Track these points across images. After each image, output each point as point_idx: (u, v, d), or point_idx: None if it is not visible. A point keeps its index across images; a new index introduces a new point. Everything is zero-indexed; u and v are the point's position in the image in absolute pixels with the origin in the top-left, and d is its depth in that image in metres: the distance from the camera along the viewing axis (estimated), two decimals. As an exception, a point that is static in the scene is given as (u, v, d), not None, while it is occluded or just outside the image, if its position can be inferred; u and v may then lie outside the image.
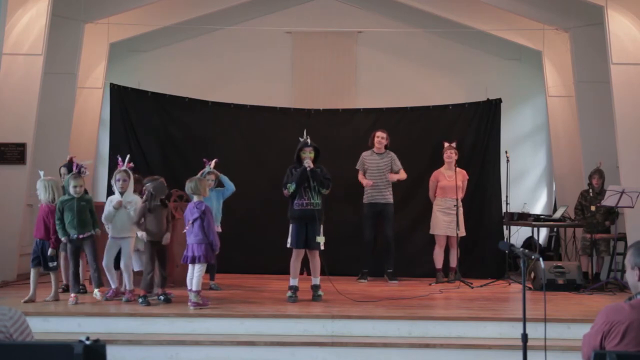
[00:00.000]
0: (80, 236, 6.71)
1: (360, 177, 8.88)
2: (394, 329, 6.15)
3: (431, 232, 8.86)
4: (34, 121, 8.46)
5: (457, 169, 8.76)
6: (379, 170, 8.79)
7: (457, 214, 8.63)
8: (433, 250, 8.84)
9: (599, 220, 8.72)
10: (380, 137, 8.84)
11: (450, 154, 8.80)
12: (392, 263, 8.80)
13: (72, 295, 6.68)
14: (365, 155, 8.93)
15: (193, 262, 6.59)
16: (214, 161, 7.74)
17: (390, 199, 8.80)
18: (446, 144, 8.91)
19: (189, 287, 6.64)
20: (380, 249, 8.91)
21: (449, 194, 8.70)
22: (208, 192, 7.02)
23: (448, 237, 8.76)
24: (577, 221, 9.07)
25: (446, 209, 8.71)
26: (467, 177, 8.98)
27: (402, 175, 8.89)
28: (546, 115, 10.92)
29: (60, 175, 7.53)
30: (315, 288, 7.22)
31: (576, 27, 9.47)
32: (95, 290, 6.78)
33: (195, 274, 6.60)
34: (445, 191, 8.75)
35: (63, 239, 6.73)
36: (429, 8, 10.51)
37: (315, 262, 7.19)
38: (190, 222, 6.62)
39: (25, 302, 6.67)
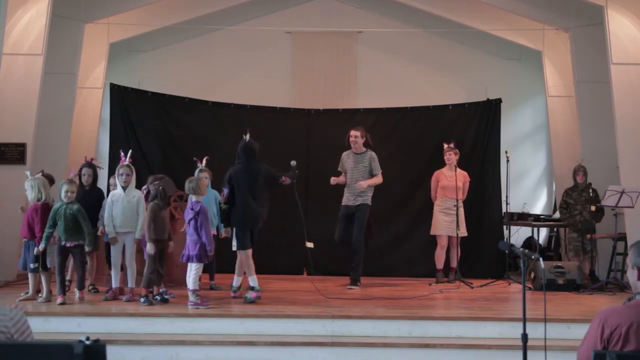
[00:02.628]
0: (68, 244, 6.68)
1: (337, 179, 8.38)
2: (394, 329, 6.15)
3: (432, 232, 8.83)
4: (34, 121, 8.46)
5: (459, 170, 8.76)
6: (356, 171, 8.26)
7: (457, 214, 8.62)
8: (435, 251, 8.82)
9: (587, 218, 8.69)
10: (354, 137, 8.26)
11: (449, 155, 8.79)
12: (357, 269, 8.09)
13: (59, 296, 6.66)
14: (344, 155, 8.43)
15: (188, 261, 6.67)
16: (205, 159, 7.73)
17: (365, 200, 8.19)
18: (445, 145, 8.89)
19: (187, 286, 6.68)
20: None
21: (449, 194, 8.69)
22: (206, 191, 7.01)
23: (449, 237, 8.76)
24: (564, 220, 9.02)
25: (446, 209, 8.70)
26: (469, 179, 8.97)
27: (376, 180, 8.25)
28: (546, 115, 10.91)
29: (81, 176, 7.49)
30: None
31: (576, 27, 9.46)
32: (76, 290, 6.74)
33: (191, 273, 6.65)
34: (445, 191, 8.74)
35: (41, 246, 6.64)
36: (429, 8, 10.51)
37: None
38: (187, 221, 6.70)
39: (21, 300, 6.67)
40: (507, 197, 9.11)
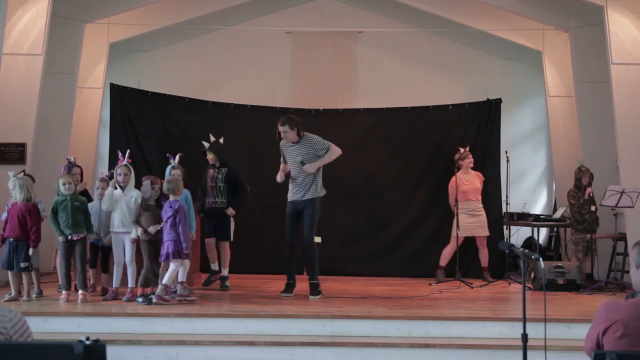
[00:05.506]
0: (74, 237, 6.76)
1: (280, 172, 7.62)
2: (394, 329, 6.15)
3: (454, 233, 8.78)
4: (34, 121, 8.46)
5: (473, 171, 8.81)
6: (295, 162, 7.43)
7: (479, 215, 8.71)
8: (443, 248, 8.83)
9: (593, 218, 8.70)
10: (282, 132, 7.42)
11: (471, 158, 8.84)
12: (313, 273, 7.40)
13: (64, 293, 6.74)
14: (282, 145, 7.61)
15: (167, 259, 6.80)
16: (178, 156, 7.75)
17: (310, 194, 7.36)
18: (462, 150, 8.87)
19: (180, 280, 6.89)
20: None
21: (472, 197, 8.75)
22: (183, 190, 7.14)
23: (476, 238, 8.81)
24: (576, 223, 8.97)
25: (472, 211, 8.75)
26: (483, 178, 9.02)
27: (327, 157, 7.39)
28: (546, 115, 10.91)
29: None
30: (223, 279, 7.86)
31: (576, 27, 9.46)
32: (80, 292, 6.74)
33: (169, 270, 6.80)
34: (467, 194, 8.76)
35: (60, 238, 6.75)
36: (429, 8, 10.50)
37: (226, 254, 7.91)
38: (165, 220, 6.80)
39: (6, 301, 6.70)
40: (507, 197, 9.11)
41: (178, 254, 6.75)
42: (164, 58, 11.21)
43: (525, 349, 4.03)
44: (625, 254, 8.70)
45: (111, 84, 9.61)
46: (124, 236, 6.96)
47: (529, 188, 11.41)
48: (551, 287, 8.01)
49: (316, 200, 7.36)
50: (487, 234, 8.85)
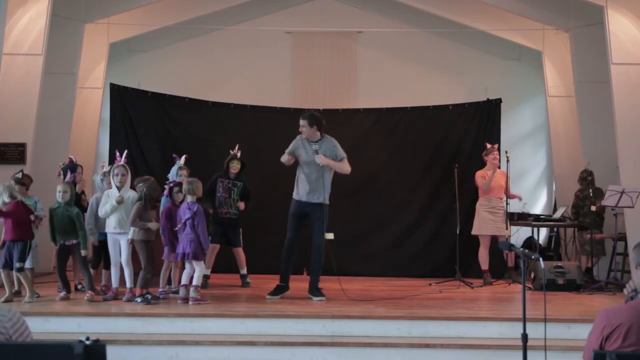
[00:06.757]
0: (67, 243, 6.83)
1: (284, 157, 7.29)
2: (394, 329, 6.15)
3: (476, 232, 8.72)
4: (34, 121, 8.47)
5: (498, 170, 8.77)
6: (310, 162, 7.18)
7: (505, 213, 8.62)
8: (478, 252, 8.71)
9: (595, 218, 8.73)
10: (300, 126, 7.21)
11: (496, 155, 8.76)
12: (316, 277, 7.29)
13: (61, 293, 6.79)
14: (298, 140, 7.28)
15: (183, 259, 6.85)
16: (184, 157, 7.77)
17: (321, 198, 7.19)
18: (489, 145, 8.82)
19: (183, 283, 6.84)
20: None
21: (494, 194, 8.68)
22: (201, 192, 7.13)
23: (491, 237, 8.70)
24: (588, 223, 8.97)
25: (492, 208, 8.67)
26: (508, 176, 8.95)
27: (341, 165, 7.22)
28: (546, 115, 10.91)
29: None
30: (244, 277, 8.34)
31: (576, 27, 9.47)
32: (87, 292, 6.78)
33: (195, 271, 6.79)
34: (490, 191, 8.70)
35: (52, 243, 6.86)
36: (429, 8, 10.51)
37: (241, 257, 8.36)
38: (183, 221, 6.81)
39: (2, 302, 6.68)
40: (507, 197, 9.10)
41: (196, 255, 6.80)
42: (164, 58, 11.21)
43: (525, 349, 4.03)
44: (625, 254, 8.70)
45: (111, 84, 9.61)
46: (120, 237, 6.93)
47: (529, 188, 11.40)
48: (551, 287, 8.01)
49: (324, 207, 7.25)
50: (507, 233, 8.74)
